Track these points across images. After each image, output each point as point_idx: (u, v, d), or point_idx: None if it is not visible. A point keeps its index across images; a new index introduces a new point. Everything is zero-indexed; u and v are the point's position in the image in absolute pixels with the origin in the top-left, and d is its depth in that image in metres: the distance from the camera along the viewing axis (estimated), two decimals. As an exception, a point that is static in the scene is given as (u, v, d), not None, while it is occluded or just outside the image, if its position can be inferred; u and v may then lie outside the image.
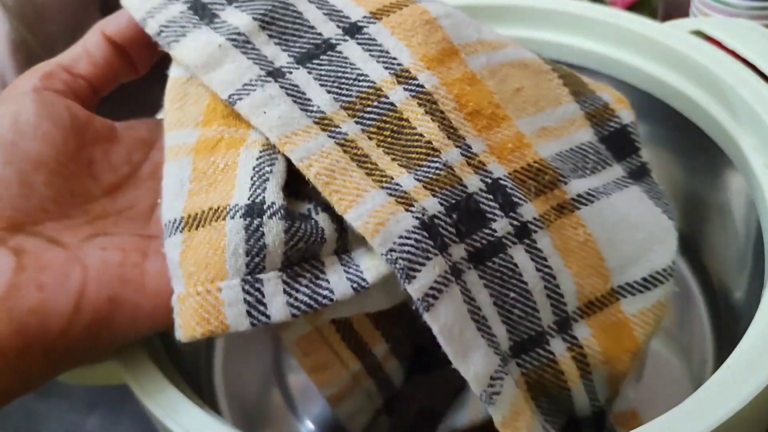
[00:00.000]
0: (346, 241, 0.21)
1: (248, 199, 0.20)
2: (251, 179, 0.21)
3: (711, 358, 0.34)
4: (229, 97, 0.22)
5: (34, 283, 0.20)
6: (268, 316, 0.20)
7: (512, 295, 0.23)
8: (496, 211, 0.23)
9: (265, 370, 0.36)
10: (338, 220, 0.21)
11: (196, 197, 0.21)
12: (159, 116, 0.30)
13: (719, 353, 0.33)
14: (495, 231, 0.23)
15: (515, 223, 0.23)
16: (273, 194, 0.20)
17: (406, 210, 0.21)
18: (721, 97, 0.31)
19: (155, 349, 0.27)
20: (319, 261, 0.21)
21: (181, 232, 0.21)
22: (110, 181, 0.24)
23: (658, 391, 0.33)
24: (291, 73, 0.23)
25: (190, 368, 0.33)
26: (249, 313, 0.20)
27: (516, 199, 0.23)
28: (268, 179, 0.21)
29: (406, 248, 0.20)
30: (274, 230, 0.20)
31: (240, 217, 0.20)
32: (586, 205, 0.25)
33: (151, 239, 0.23)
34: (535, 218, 0.23)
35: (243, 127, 0.23)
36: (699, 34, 0.34)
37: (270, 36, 0.24)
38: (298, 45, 0.24)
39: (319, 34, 0.24)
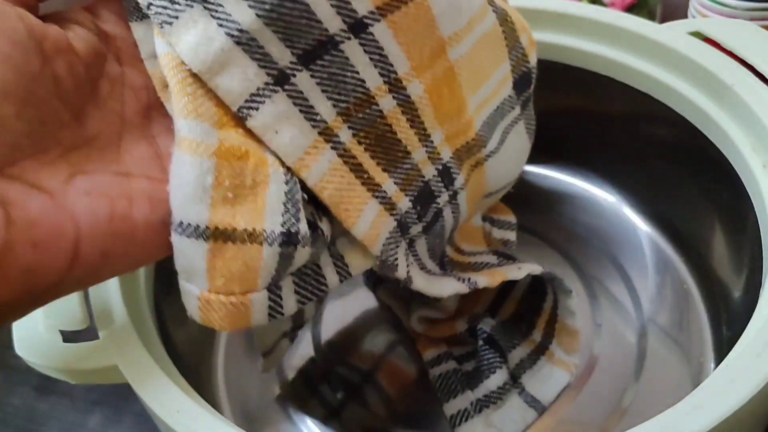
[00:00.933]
0: (331, 236, 0.25)
1: (283, 227, 0.22)
2: (284, 205, 0.23)
3: (710, 357, 0.34)
4: (239, 110, 0.22)
5: (28, 240, 0.19)
6: (282, 313, 0.24)
7: (438, 240, 0.30)
8: (442, 189, 0.28)
9: (265, 369, 0.36)
10: (330, 219, 0.25)
11: (222, 208, 0.22)
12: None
13: (718, 353, 0.34)
14: (438, 204, 0.28)
15: (450, 193, 0.29)
16: (305, 225, 0.23)
17: (390, 214, 0.26)
18: (720, 97, 0.32)
19: (157, 349, 0.27)
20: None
21: (206, 240, 0.22)
22: (76, 102, 0.22)
23: (657, 390, 0.33)
24: (295, 76, 0.23)
25: (191, 367, 0.33)
26: (270, 314, 0.23)
27: (454, 175, 0.28)
28: (299, 209, 0.23)
29: (390, 247, 0.26)
30: (304, 256, 0.23)
31: (278, 245, 0.22)
32: (491, 156, 0.30)
33: (130, 179, 0.22)
34: (461, 185, 0.29)
35: (253, 138, 0.23)
36: (697, 35, 0.34)
37: (275, 32, 0.22)
38: (303, 42, 0.23)
39: (326, 29, 0.23)
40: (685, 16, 0.49)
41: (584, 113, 0.40)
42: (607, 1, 0.49)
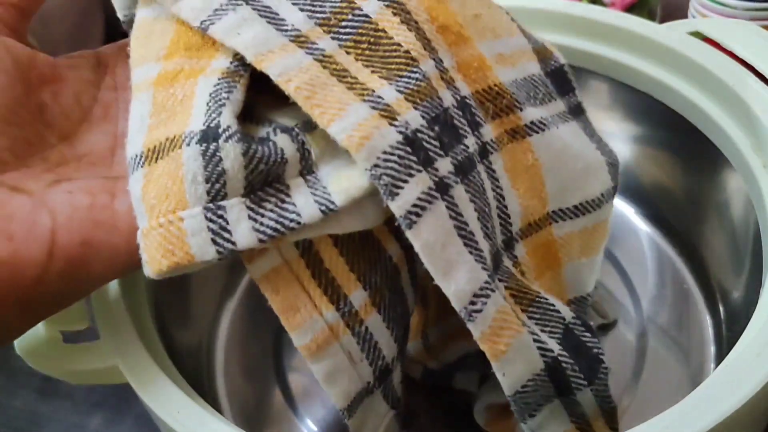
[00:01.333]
0: (310, 161, 0.21)
1: (203, 124, 0.20)
2: (207, 105, 0.20)
3: (710, 357, 0.34)
4: (201, 23, 0.22)
5: (2, 233, 0.20)
6: (233, 243, 0.20)
7: (486, 210, 0.23)
8: (466, 128, 0.23)
9: (265, 370, 0.36)
10: (299, 141, 0.21)
11: (156, 131, 0.21)
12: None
13: (718, 353, 0.33)
14: (467, 147, 0.23)
15: (479, 142, 0.24)
16: (228, 119, 0.20)
17: (390, 124, 0.20)
18: (720, 98, 0.32)
19: (157, 349, 0.28)
20: (283, 184, 0.21)
21: (142, 166, 0.21)
22: (64, 127, 0.24)
23: (657, 390, 0.33)
24: None
25: (192, 368, 0.33)
26: (214, 241, 0.20)
27: (478, 119, 0.24)
28: (224, 104, 0.20)
29: (390, 164, 0.20)
30: (231, 154, 0.20)
31: (196, 143, 0.20)
32: (537, 132, 0.26)
33: (117, 180, 0.22)
34: (491, 140, 0.24)
35: (204, 58, 0.22)
36: (697, 35, 0.34)
37: None
38: None
39: None
40: (685, 16, 0.49)
41: (584, 113, 0.40)
42: (607, 1, 0.49)
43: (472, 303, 0.21)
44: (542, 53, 0.28)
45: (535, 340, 0.23)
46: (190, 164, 0.19)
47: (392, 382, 0.26)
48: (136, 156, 0.21)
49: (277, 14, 0.22)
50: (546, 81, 0.28)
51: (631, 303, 0.36)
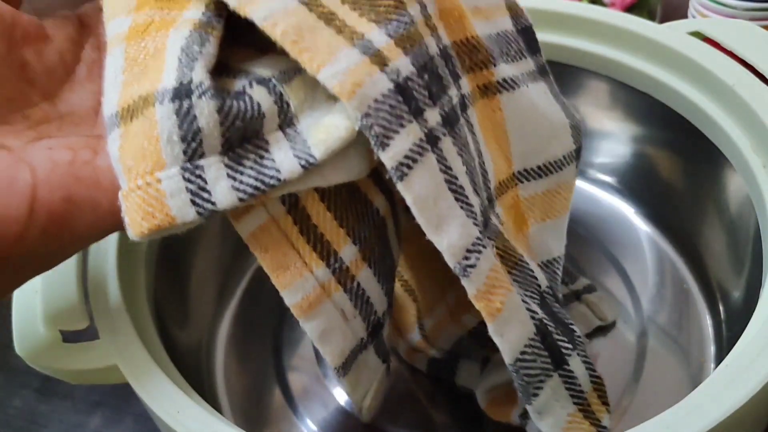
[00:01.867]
0: (289, 114, 0.20)
1: (175, 81, 0.19)
2: (179, 59, 0.20)
3: (710, 357, 0.34)
4: None
5: None
6: (213, 203, 0.19)
7: (472, 164, 0.23)
8: (449, 78, 0.23)
9: (265, 370, 0.36)
10: (277, 93, 0.20)
11: (129, 88, 0.20)
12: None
13: (718, 353, 0.34)
14: (452, 98, 0.22)
15: (458, 94, 0.23)
16: (201, 74, 0.19)
17: (381, 71, 0.20)
18: (720, 98, 0.32)
19: (156, 349, 0.28)
20: (262, 140, 0.20)
21: (118, 126, 0.20)
22: (47, 85, 0.23)
23: (657, 390, 0.33)
24: None
25: (191, 367, 0.33)
26: (193, 202, 0.19)
27: (458, 71, 0.23)
28: (196, 59, 0.20)
29: (381, 113, 0.19)
30: (206, 110, 0.19)
31: (169, 101, 0.19)
32: (507, 90, 0.26)
33: (100, 138, 0.22)
34: (468, 93, 0.24)
35: (175, 9, 0.21)
36: (697, 35, 0.34)
37: None
38: None
39: None
40: (685, 16, 0.49)
41: (584, 113, 0.40)
42: (607, 1, 0.49)
43: (466, 258, 0.21)
44: (514, 10, 0.28)
45: (523, 301, 0.23)
46: (165, 123, 0.19)
47: (382, 335, 0.26)
48: (112, 115, 0.21)
49: None
50: (518, 38, 0.28)
51: (631, 303, 0.36)
